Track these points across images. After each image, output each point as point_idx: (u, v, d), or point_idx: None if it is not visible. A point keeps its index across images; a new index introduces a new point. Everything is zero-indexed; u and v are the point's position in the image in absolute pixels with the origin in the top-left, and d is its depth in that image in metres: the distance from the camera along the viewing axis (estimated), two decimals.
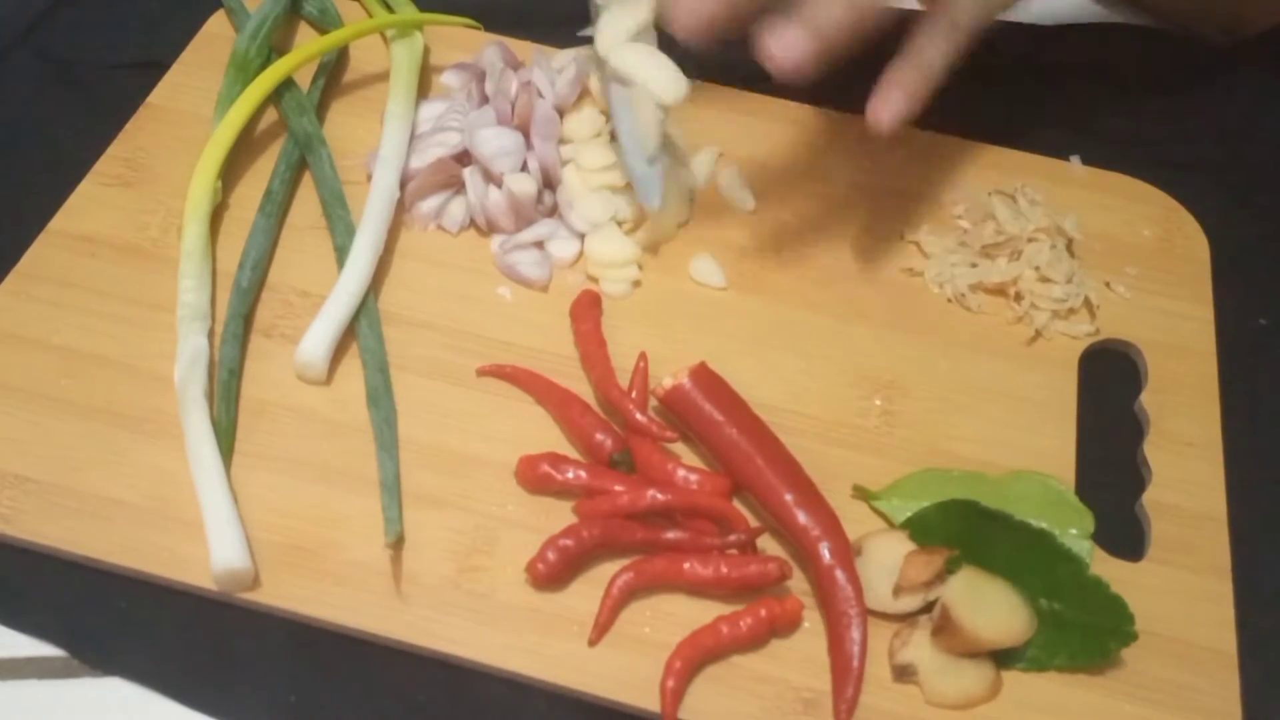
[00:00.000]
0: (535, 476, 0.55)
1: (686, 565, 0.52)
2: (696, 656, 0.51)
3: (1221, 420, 0.61)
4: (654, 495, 0.54)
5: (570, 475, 0.55)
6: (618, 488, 0.54)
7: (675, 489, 0.55)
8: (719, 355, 0.60)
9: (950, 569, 0.53)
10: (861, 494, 0.57)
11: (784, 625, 0.52)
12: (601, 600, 0.52)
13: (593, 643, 0.51)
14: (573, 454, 0.57)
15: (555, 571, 0.52)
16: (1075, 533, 0.55)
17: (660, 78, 0.61)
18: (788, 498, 0.54)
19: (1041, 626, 0.52)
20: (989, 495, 0.56)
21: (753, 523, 0.55)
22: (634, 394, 0.58)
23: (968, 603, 0.51)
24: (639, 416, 0.57)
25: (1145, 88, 0.74)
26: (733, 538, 0.53)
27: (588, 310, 0.61)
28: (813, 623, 0.53)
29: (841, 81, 0.72)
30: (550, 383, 0.59)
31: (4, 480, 0.54)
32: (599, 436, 0.56)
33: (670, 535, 0.54)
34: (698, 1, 0.55)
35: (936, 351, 0.62)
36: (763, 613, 0.52)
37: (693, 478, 0.56)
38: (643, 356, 0.60)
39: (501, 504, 0.55)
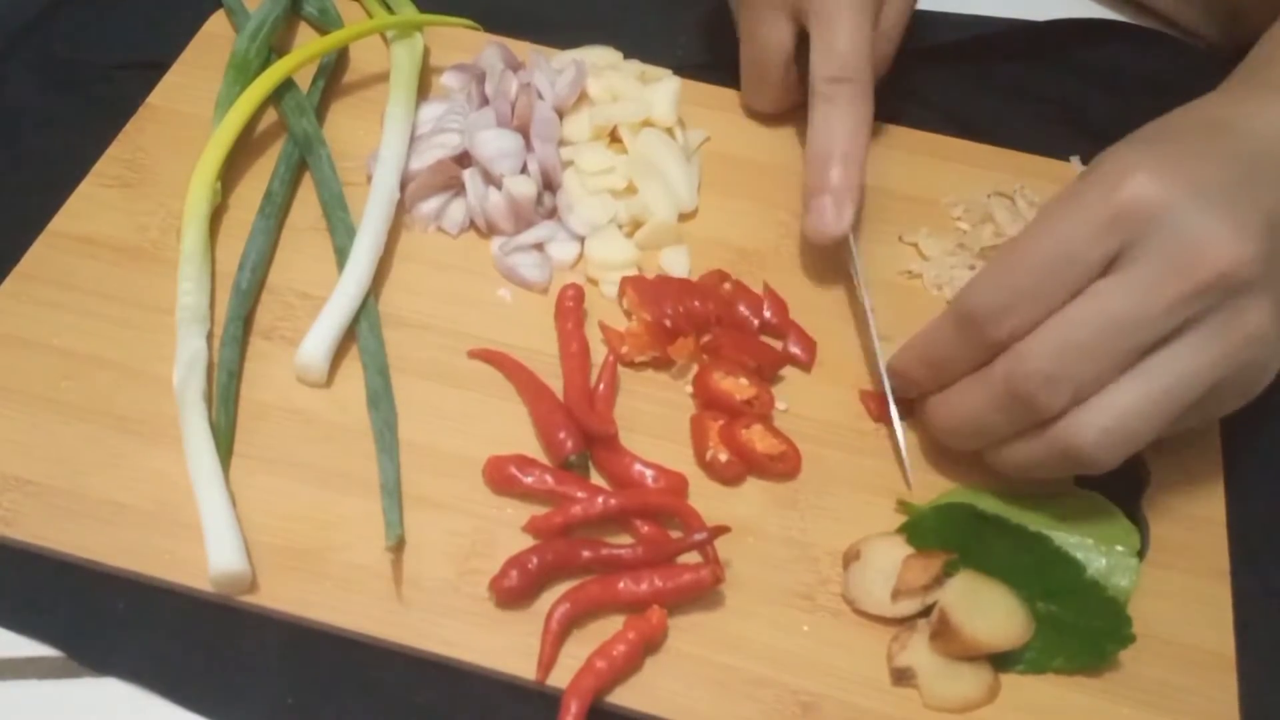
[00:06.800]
0: (502, 478, 0.55)
1: (621, 585, 0.52)
2: (587, 700, 0.50)
3: (1221, 421, 0.61)
4: (605, 502, 0.54)
5: (532, 479, 0.55)
6: (576, 494, 0.54)
7: (626, 492, 0.55)
8: None
9: (948, 572, 0.53)
10: (905, 509, 0.56)
11: (655, 640, 0.52)
12: (542, 636, 0.51)
13: (540, 680, 0.51)
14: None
15: (519, 589, 0.52)
16: (1121, 549, 0.54)
17: None
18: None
19: (1039, 629, 0.52)
20: (1031, 511, 0.55)
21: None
22: (601, 388, 0.58)
23: (966, 606, 0.51)
24: (586, 410, 0.57)
25: (1145, 88, 0.74)
26: (697, 537, 0.53)
27: (571, 309, 0.61)
28: (811, 625, 0.53)
29: None
30: (530, 375, 0.59)
31: (4, 483, 0.54)
32: (561, 435, 0.56)
33: (622, 552, 0.53)
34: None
35: None
36: (632, 635, 0.51)
37: (649, 473, 0.56)
38: (613, 350, 0.60)
39: (500, 506, 0.55)
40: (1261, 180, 0.50)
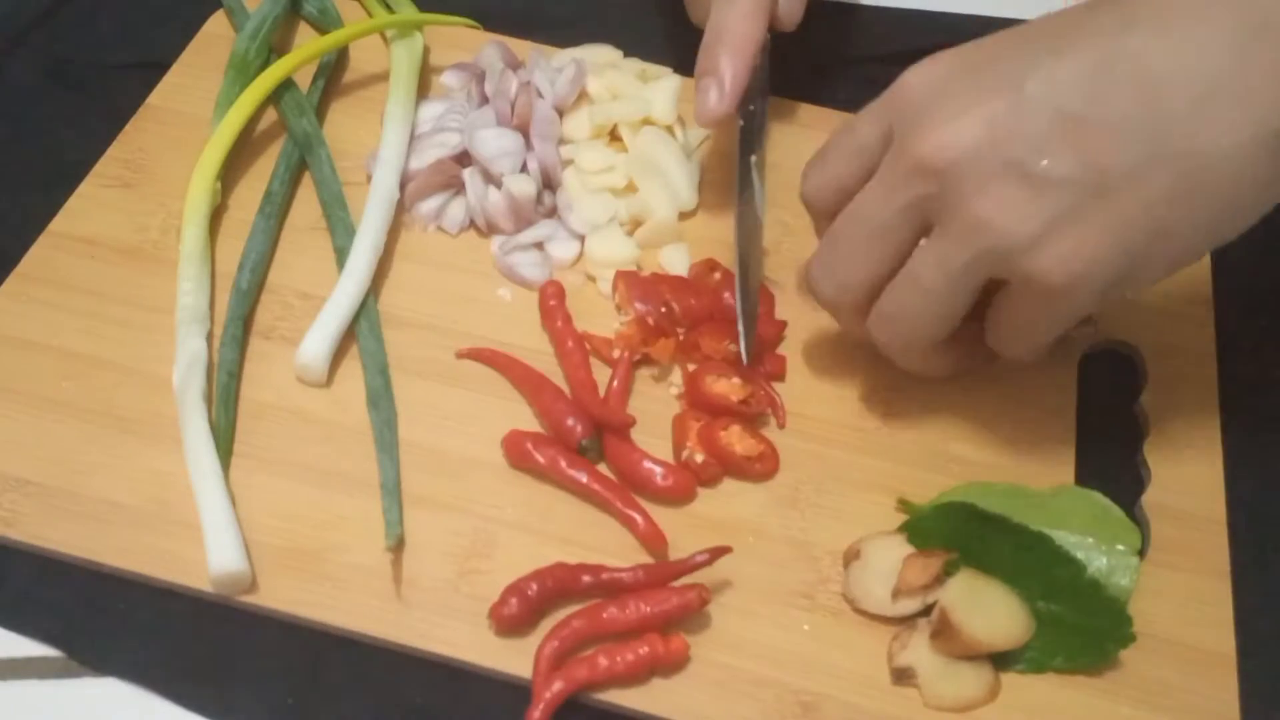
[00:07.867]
0: (519, 452, 0.56)
1: (606, 614, 0.51)
2: (569, 689, 0.49)
3: (1221, 420, 0.61)
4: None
5: (542, 458, 0.55)
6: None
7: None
8: None
9: (948, 572, 0.53)
10: (906, 508, 0.56)
11: (667, 666, 0.51)
12: (533, 678, 0.50)
13: None
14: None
15: (519, 616, 0.51)
16: (1123, 549, 0.54)
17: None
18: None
19: (1040, 629, 0.52)
20: (1032, 510, 0.55)
21: None
22: (615, 384, 0.58)
23: (966, 605, 0.51)
24: (598, 406, 0.57)
25: None
26: (698, 558, 0.52)
27: (555, 307, 0.61)
28: (811, 625, 0.53)
29: (842, 81, 0.73)
30: (526, 367, 0.59)
31: (4, 483, 0.54)
32: (569, 421, 0.57)
33: (623, 575, 0.52)
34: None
35: None
36: (644, 650, 0.50)
37: (657, 470, 0.56)
38: (626, 346, 0.60)
39: (501, 506, 0.55)
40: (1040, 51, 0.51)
